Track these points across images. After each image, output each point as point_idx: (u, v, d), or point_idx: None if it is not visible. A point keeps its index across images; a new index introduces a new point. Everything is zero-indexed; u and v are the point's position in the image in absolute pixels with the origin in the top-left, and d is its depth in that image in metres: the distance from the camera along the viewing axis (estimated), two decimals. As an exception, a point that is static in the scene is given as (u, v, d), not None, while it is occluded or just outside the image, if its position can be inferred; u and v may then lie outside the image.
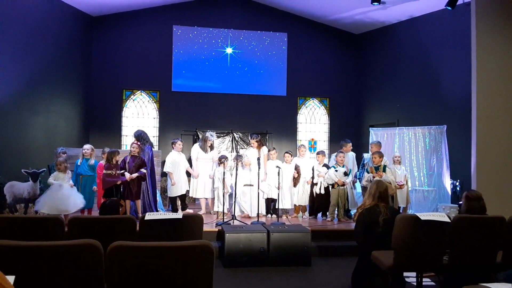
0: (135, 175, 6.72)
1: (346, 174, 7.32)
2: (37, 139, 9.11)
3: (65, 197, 6.21)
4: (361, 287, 4.35)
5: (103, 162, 6.94)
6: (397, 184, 7.15)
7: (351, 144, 8.19)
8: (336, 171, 7.29)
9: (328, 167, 7.58)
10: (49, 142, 9.28)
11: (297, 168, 7.73)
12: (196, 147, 8.01)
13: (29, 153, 8.68)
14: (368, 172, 7.09)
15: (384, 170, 7.04)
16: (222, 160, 7.57)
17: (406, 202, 7.50)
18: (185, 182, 7.85)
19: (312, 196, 7.65)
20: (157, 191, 7.55)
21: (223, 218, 6.92)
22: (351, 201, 7.58)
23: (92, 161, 7.04)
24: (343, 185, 7.31)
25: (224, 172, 7.31)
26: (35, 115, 9.09)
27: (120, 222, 3.74)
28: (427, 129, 9.05)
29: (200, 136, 9.81)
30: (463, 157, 8.03)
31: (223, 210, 7.17)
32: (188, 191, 8.04)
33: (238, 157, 7.67)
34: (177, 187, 7.71)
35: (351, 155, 8.15)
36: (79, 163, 7.01)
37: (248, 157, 7.82)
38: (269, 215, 7.66)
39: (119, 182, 6.60)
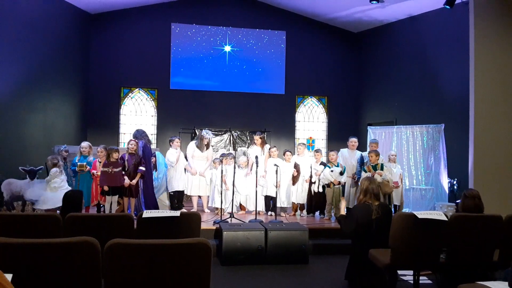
0: (135, 181, 6.78)
1: (341, 173, 7.31)
2: (34, 136, 9.10)
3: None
4: (356, 284, 4.37)
5: (98, 159, 6.95)
6: (393, 185, 7.16)
7: (354, 140, 7.84)
8: (332, 171, 7.29)
9: (325, 165, 7.59)
10: (47, 139, 9.27)
11: (296, 167, 7.73)
12: (192, 145, 7.99)
13: (26, 150, 8.66)
14: (365, 171, 7.08)
15: (381, 169, 7.05)
16: (222, 158, 7.62)
17: (400, 201, 7.51)
18: (183, 179, 7.83)
19: (310, 194, 7.66)
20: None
21: (221, 216, 6.93)
22: (352, 200, 7.54)
23: (90, 158, 7.04)
24: (339, 183, 7.31)
25: (222, 170, 7.34)
26: (32, 112, 9.07)
27: (118, 220, 3.74)
28: (425, 127, 9.07)
29: (197, 135, 9.79)
30: (460, 155, 8.05)
31: (221, 206, 7.22)
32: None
33: (232, 155, 7.77)
34: (176, 181, 7.71)
35: (358, 153, 7.80)
36: (77, 160, 7.00)
37: (250, 155, 7.90)
38: (269, 213, 7.68)
39: (125, 182, 6.67)
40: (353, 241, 4.42)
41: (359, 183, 7.55)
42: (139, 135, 7.22)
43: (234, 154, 8.02)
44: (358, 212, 4.25)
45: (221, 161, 7.54)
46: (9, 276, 2.03)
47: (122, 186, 6.68)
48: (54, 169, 6.69)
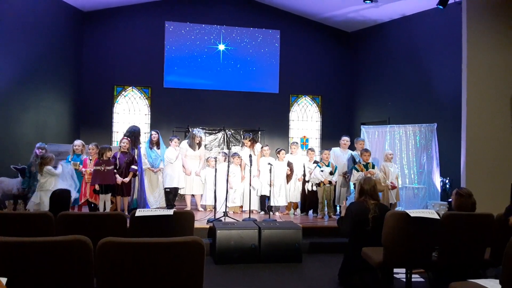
0: (127, 179, 6.76)
1: (332, 173, 7.32)
2: (26, 135, 9.02)
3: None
4: (349, 283, 4.39)
5: (88, 157, 6.91)
6: (390, 185, 7.19)
7: (346, 139, 7.92)
8: (322, 171, 7.32)
9: (317, 163, 7.61)
10: (39, 138, 9.14)
11: (289, 165, 7.74)
12: (184, 144, 7.97)
13: (18, 149, 8.58)
14: (357, 170, 7.10)
15: (372, 167, 7.08)
16: (234, 157, 7.76)
17: (396, 199, 7.56)
18: (181, 177, 7.80)
19: (304, 193, 7.68)
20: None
21: (215, 215, 6.92)
22: (338, 197, 7.62)
23: (83, 157, 7.01)
24: (330, 183, 7.33)
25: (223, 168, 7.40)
26: (25, 110, 8.99)
27: (110, 218, 3.72)
28: (417, 127, 9.11)
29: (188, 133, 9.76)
30: (453, 155, 8.11)
31: (215, 205, 7.21)
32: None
33: (227, 154, 7.79)
34: (173, 178, 7.67)
35: (349, 152, 7.87)
36: (70, 159, 6.96)
37: (241, 156, 7.88)
38: (263, 212, 7.68)
39: (118, 180, 6.65)
40: (350, 240, 4.43)
41: (350, 182, 7.64)
42: (126, 132, 7.25)
43: (228, 153, 8.01)
44: (353, 209, 4.27)
45: (228, 161, 7.57)
46: (3, 280, 2.02)
47: (114, 184, 6.66)
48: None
